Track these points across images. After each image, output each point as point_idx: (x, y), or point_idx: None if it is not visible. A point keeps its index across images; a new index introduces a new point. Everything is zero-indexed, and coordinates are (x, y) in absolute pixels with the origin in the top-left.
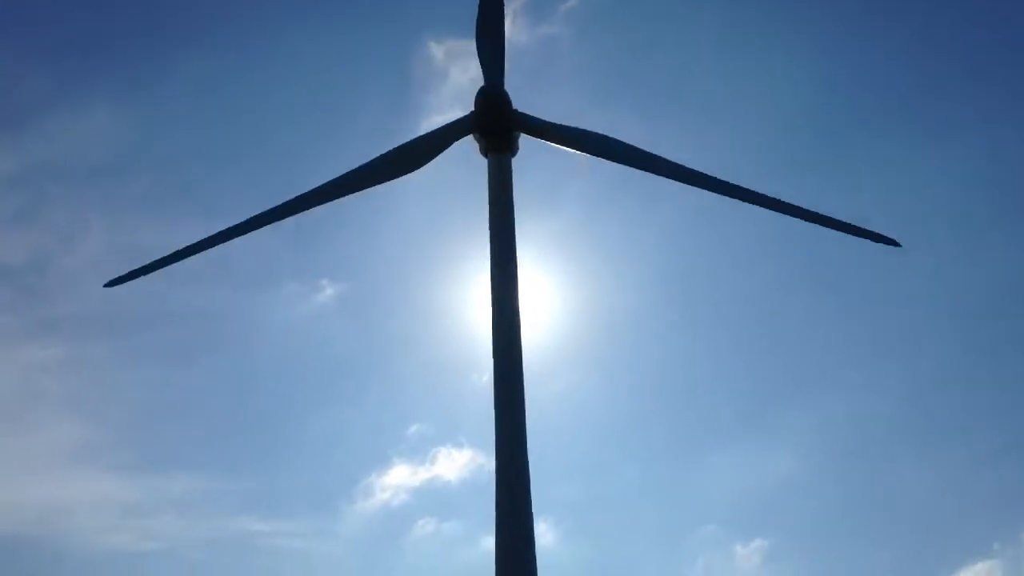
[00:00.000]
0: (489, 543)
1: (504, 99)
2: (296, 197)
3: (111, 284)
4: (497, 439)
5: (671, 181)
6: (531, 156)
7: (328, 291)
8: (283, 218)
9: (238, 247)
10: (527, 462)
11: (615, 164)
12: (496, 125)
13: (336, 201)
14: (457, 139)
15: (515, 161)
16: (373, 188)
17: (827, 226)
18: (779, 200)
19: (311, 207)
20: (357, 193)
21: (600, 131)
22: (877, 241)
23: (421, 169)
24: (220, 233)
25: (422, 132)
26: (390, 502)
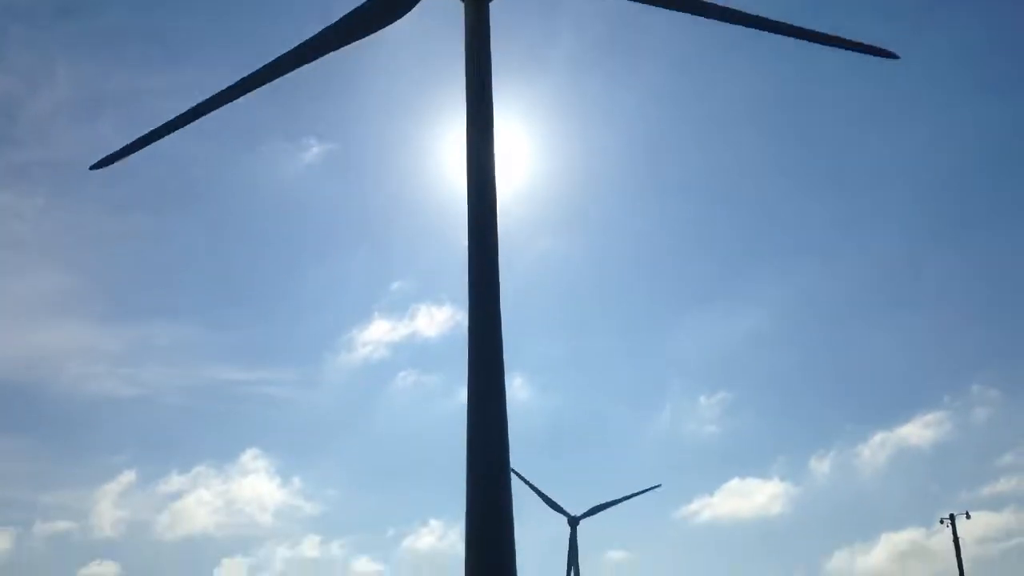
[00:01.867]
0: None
1: None
2: (286, 54)
3: (96, 167)
4: (470, 295)
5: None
6: (515, 23)
7: (314, 149)
8: (271, 80)
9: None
10: (499, 318)
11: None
12: None
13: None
14: None
15: (499, 27)
16: (355, 44)
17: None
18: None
19: (299, 66)
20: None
21: None
22: (875, 54)
23: (398, 22)
24: (202, 104)
25: None
26: (371, 355)
